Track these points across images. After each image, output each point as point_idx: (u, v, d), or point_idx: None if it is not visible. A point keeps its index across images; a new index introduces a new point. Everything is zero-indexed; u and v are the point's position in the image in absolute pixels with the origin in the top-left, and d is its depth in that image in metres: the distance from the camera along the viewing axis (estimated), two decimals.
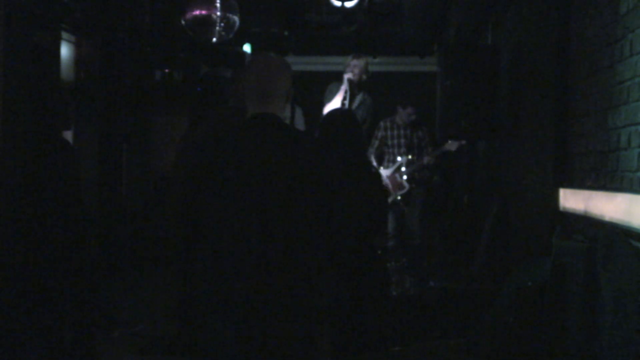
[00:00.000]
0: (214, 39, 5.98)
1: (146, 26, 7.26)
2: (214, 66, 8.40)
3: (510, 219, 5.19)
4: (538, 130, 4.41)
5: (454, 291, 4.98)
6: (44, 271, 4.12)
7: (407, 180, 6.85)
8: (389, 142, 6.98)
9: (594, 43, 3.47)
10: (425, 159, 6.86)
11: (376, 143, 7.01)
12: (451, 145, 6.72)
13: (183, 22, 5.99)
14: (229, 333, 2.40)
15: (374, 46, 8.26)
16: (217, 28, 5.90)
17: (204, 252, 2.47)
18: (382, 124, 7.03)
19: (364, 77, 6.57)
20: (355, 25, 8.28)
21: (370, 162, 4.31)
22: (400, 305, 5.03)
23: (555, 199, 3.85)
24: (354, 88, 6.55)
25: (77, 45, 6.44)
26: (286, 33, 8.51)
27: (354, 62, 6.54)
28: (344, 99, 6.45)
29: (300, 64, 8.16)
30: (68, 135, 5.46)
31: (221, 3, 5.87)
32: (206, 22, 5.89)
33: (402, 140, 6.96)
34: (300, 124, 6.86)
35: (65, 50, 6.13)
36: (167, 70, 8.06)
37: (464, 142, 6.62)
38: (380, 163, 7.01)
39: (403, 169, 6.86)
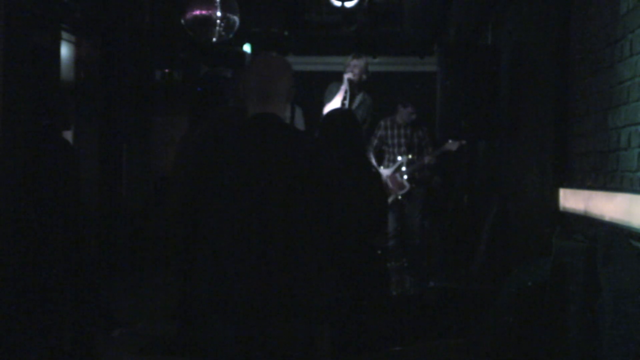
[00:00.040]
0: (214, 39, 5.98)
1: (146, 26, 7.26)
2: (214, 66, 8.40)
3: (510, 219, 5.19)
4: (538, 130, 4.40)
5: (454, 291, 4.98)
6: (44, 271, 4.12)
7: (408, 180, 6.85)
8: (389, 142, 6.98)
9: (594, 43, 3.47)
10: (426, 159, 6.86)
11: (375, 142, 7.01)
12: (452, 145, 6.72)
13: (183, 22, 5.99)
14: (229, 333, 2.40)
15: (374, 46, 8.25)
16: (217, 28, 5.90)
17: (204, 251, 2.47)
18: (382, 123, 7.03)
19: (364, 77, 6.57)
20: (355, 25, 8.28)
21: (370, 162, 4.32)
22: (400, 305, 5.03)
23: (555, 199, 3.85)
24: (354, 88, 6.55)
25: (77, 45, 6.43)
26: (286, 33, 8.51)
27: (354, 62, 6.54)
28: (344, 99, 6.45)
29: (300, 64, 8.16)
30: (68, 135, 5.46)
31: (221, 3, 5.87)
32: (206, 22, 5.89)
33: (403, 140, 6.95)
34: (300, 124, 6.86)
35: (65, 50, 6.13)
36: (167, 70, 8.06)
37: (464, 142, 6.62)
38: (380, 162, 7.01)
39: (403, 168, 6.86)
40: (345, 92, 6.46)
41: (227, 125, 2.90)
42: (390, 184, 6.79)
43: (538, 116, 4.43)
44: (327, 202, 2.47)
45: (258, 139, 2.49)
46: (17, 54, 4.13)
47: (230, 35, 6.08)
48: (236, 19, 5.97)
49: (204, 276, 2.46)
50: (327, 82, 6.81)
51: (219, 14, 5.87)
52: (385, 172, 6.83)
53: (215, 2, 5.85)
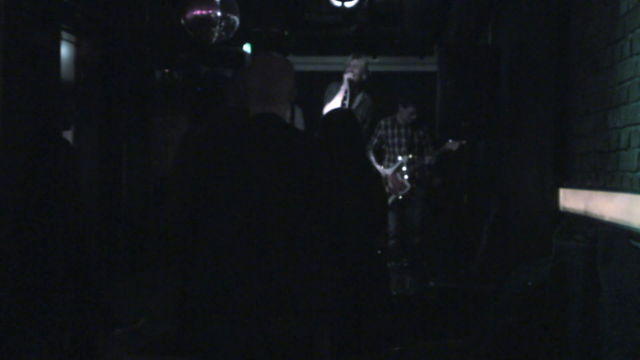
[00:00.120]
0: (214, 39, 5.98)
1: (146, 26, 7.26)
2: (214, 66, 8.40)
3: (510, 219, 5.19)
4: (538, 130, 4.40)
5: (454, 291, 4.98)
6: (44, 271, 4.12)
7: (408, 179, 6.85)
8: (390, 141, 6.98)
9: (594, 43, 3.47)
10: (427, 159, 6.86)
11: (375, 141, 7.01)
12: (452, 145, 6.72)
13: (183, 22, 5.99)
14: (228, 333, 2.40)
15: (374, 46, 8.25)
16: (217, 28, 5.90)
17: (204, 251, 2.47)
18: (382, 122, 7.03)
19: (364, 77, 6.57)
20: (355, 25, 8.28)
21: (370, 162, 4.32)
22: (400, 305, 5.03)
23: (555, 199, 3.84)
24: (354, 88, 6.55)
25: (77, 45, 6.43)
26: (286, 33, 8.51)
27: (354, 62, 6.54)
28: (344, 98, 6.45)
29: (300, 64, 8.15)
30: (68, 135, 5.46)
31: (221, 3, 5.87)
32: (206, 22, 5.89)
33: (403, 140, 6.95)
34: (299, 124, 6.87)
35: (65, 50, 6.13)
36: (167, 70, 8.06)
37: (464, 142, 6.62)
38: (380, 162, 7.01)
39: (404, 168, 6.86)
40: (345, 92, 6.47)
41: (228, 125, 2.90)
42: (390, 184, 6.79)
43: (538, 116, 4.43)
44: (327, 202, 2.47)
45: (259, 139, 2.49)
46: (17, 54, 4.13)
47: (230, 35, 6.08)
48: (236, 19, 5.97)
49: (203, 276, 2.46)
50: (327, 82, 6.81)
51: (219, 14, 5.86)
52: (385, 172, 6.83)
53: (215, 2, 5.85)
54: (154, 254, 6.85)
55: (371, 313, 3.51)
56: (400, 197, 6.84)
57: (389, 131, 7.00)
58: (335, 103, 6.40)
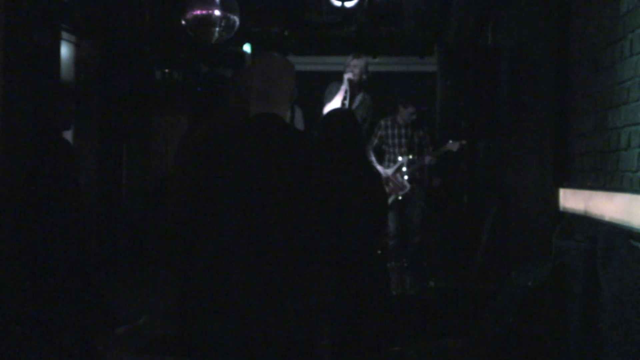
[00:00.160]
0: (214, 39, 5.98)
1: (146, 26, 7.26)
2: (214, 66, 8.39)
3: (510, 219, 5.19)
4: (538, 130, 4.40)
5: (454, 291, 4.98)
6: (44, 271, 4.12)
7: (408, 180, 6.85)
8: (390, 142, 6.98)
9: (594, 43, 3.47)
10: (427, 159, 6.86)
11: (375, 141, 7.01)
12: (452, 146, 6.71)
13: (183, 22, 5.99)
14: (228, 333, 2.40)
15: (374, 46, 8.24)
16: (217, 28, 5.90)
17: (204, 251, 2.47)
18: (382, 122, 7.03)
19: (364, 77, 6.58)
20: (355, 25, 8.27)
21: (370, 162, 4.32)
22: (400, 305, 5.03)
23: (555, 199, 3.84)
24: (354, 88, 6.55)
25: (77, 45, 6.43)
26: (286, 33, 8.50)
27: (354, 62, 6.54)
28: (344, 98, 6.45)
29: (300, 64, 8.14)
30: (68, 135, 5.46)
31: (221, 3, 5.87)
32: (206, 22, 5.89)
33: (403, 140, 6.95)
34: (299, 124, 6.87)
35: (65, 50, 6.13)
36: (167, 70, 8.06)
37: (464, 142, 6.62)
38: (380, 162, 7.01)
39: (404, 168, 6.86)
40: (345, 92, 6.47)
41: (228, 125, 2.90)
42: (390, 184, 6.79)
43: (538, 116, 4.43)
44: (327, 203, 2.47)
45: (258, 139, 2.49)
46: (17, 54, 4.13)
47: (230, 35, 6.07)
48: (236, 19, 5.97)
49: (203, 276, 2.46)
50: (327, 82, 6.81)
51: (219, 14, 5.86)
52: (385, 172, 6.82)
53: (215, 2, 5.85)
54: (154, 254, 6.85)
55: (371, 313, 3.51)
56: (400, 197, 6.84)
57: (389, 131, 6.99)
58: (335, 103, 6.40)
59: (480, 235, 5.70)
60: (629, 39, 3.00)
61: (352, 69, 6.52)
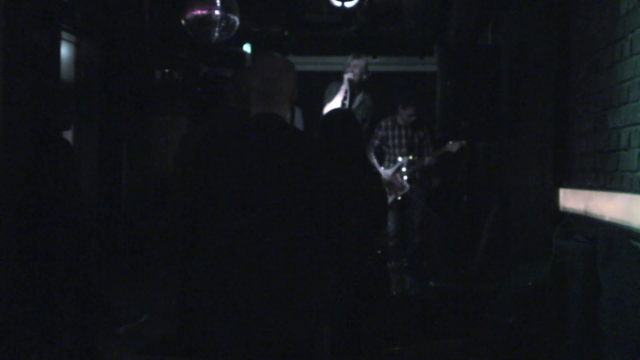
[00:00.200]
0: (214, 39, 5.98)
1: (146, 26, 7.26)
2: (214, 66, 8.40)
3: (510, 219, 5.19)
4: (538, 130, 4.40)
5: (454, 291, 4.98)
6: (44, 271, 4.12)
7: (408, 180, 6.85)
8: (390, 142, 6.98)
9: (594, 43, 3.47)
10: (427, 160, 6.86)
11: (376, 142, 7.01)
12: (452, 147, 6.71)
13: (183, 22, 5.99)
14: (228, 333, 2.40)
15: (374, 46, 8.25)
16: (217, 28, 5.90)
17: (204, 251, 2.47)
18: (383, 123, 7.03)
19: (364, 77, 6.58)
20: (355, 25, 8.28)
21: (370, 162, 4.32)
22: (400, 305, 5.03)
23: (555, 199, 3.84)
24: (354, 88, 6.56)
25: (77, 45, 6.43)
26: (286, 33, 8.51)
27: (354, 62, 6.54)
28: (344, 98, 6.45)
29: (300, 64, 8.14)
30: (68, 135, 5.46)
31: (221, 3, 5.87)
32: (206, 22, 5.89)
33: (403, 140, 6.95)
34: (299, 124, 6.87)
35: (65, 50, 6.13)
36: (167, 70, 8.06)
37: (464, 142, 6.62)
38: (381, 163, 7.01)
39: (404, 169, 6.86)
40: (346, 92, 6.47)
41: (228, 125, 2.90)
42: (390, 185, 6.79)
43: (538, 116, 4.43)
44: (327, 202, 2.47)
45: (259, 139, 2.49)
46: (17, 54, 4.13)
47: (230, 35, 6.08)
48: (236, 19, 5.97)
49: (203, 276, 2.46)
50: (327, 82, 6.81)
51: (219, 14, 5.86)
52: (385, 172, 6.83)
53: (215, 2, 5.85)
54: (159, 252, 6.85)
55: (371, 313, 3.51)
56: (400, 197, 6.85)
57: (389, 132, 6.99)
58: (335, 103, 6.40)
59: (480, 235, 5.69)
60: (629, 39, 2.99)
61: (352, 69, 6.52)
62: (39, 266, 4.10)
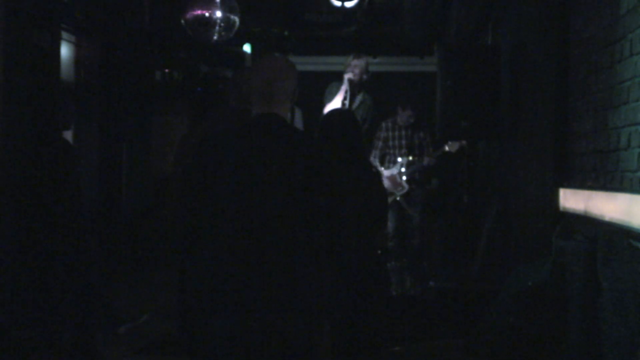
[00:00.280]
0: (214, 39, 5.98)
1: (146, 26, 7.26)
2: (214, 66, 8.40)
3: (510, 219, 5.19)
4: (538, 130, 4.40)
5: (454, 291, 4.98)
6: (44, 271, 4.12)
7: (407, 180, 6.85)
8: (390, 143, 6.98)
9: (594, 43, 3.47)
10: (426, 160, 6.86)
11: (379, 144, 7.00)
12: (451, 147, 6.71)
13: (183, 22, 5.99)
14: (228, 331, 2.40)
15: (374, 46, 8.25)
16: (217, 28, 5.90)
17: (205, 250, 2.47)
18: (383, 124, 7.03)
19: (365, 77, 6.57)
20: (355, 25, 8.27)
21: (370, 162, 4.32)
22: (400, 305, 5.03)
23: (555, 199, 3.84)
24: (354, 88, 6.55)
25: (77, 45, 6.43)
26: (286, 33, 8.50)
27: (355, 62, 6.54)
28: (344, 98, 6.45)
29: (300, 64, 8.14)
30: (68, 135, 5.46)
31: (221, 3, 5.87)
32: (206, 22, 5.89)
33: (403, 141, 6.95)
34: (299, 125, 6.87)
35: (65, 50, 6.13)
36: (167, 70, 8.06)
37: (464, 142, 6.62)
38: (381, 163, 7.01)
39: (403, 169, 6.86)
40: (346, 92, 6.47)
41: (228, 125, 2.90)
42: (389, 185, 6.79)
43: (538, 116, 4.43)
44: (326, 202, 2.47)
45: (259, 139, 2.49)
46: (17, 54, 4.13)
47: (230, 35, 6.07)
48: (236, 19, 5.97)
49: (204, 274, 2.46)
50: (327, 82, 6.81)
51: (219, 14, 5.86)
52: (385, 172, 6.83)
53: (215, 2, 5.85)
54: (158, 253, 6.85)
55: (371, 313, 3.51)
56: (399, 197, 6.85)
57: (390, 133, 6.99)
58: (335, 103, 6.40)
59: (480, 235, 5.69)
60: (629, 39, 3.00)
61: (352, 69, 6.52)
62: (39, 266, 4.11)
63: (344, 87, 6.48)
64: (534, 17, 4.64)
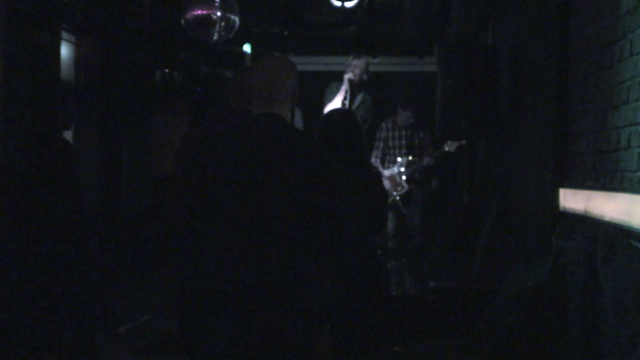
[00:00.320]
0: (214, 39, 5.98)
1: (146, 26, 7.26)
2: (214, 66, 8.39)
3: (510, 219, 5.19)
4: (538, 130, 4.40)
5: (454, 291, 4.98)
6: (44, 271, 4.12)
7: (407, 180, 6.85)
8: (390, 143, 6.98)
9: (594, 43, 3.47)
10: (425, 160, 6.86)
11: (381, 144, 7.00)
12: (450, 146, 6.71)
13: (183, 22, 5.99)
14: (228, 331, 2.41)
15: (374, 46, 8.24)
16: (217, 28, 5.89)
17: (205, 250, 2.47)
18: (384, 124, 7.03)
19: (365, 77, 6.58)
20: (355, 25, 8.27)
21: (370, 162, 4.32)
22: (400, 305, 5.03)
23: (555, 199, 3.84)
24: (355, 88, 6.55)
25: (77, 45, 6.43)
26: (286, 33, 8.51)
27: (355, 62, 6.54)
28: (345, 98, 6.45)
29: (300, 64, 8.14)
30: (68, 135, 5.46)
31: (221, 3, 5.86)
32: (206, 22, 5.89)
33: (403, 141, 6.95)
34: (299, 125, 6.86)
35: (65, 50, 6.13)
36: (167, 70, 8.06)
37: (464, 142, 6.62)
38: (382, 163, 7.01)
39: (403, 169, 6.87)
40: (346, 92, 6.47)
41: (229, 125, 2.90)
42: (389, 185, 6.79)
43: (538, 116, 4.43)
44: (326, 202, 2.47)
45: (260, 139, 2.49)
46: (17, 54, 4.13)
47: (230, 35, 6.07)
48: (236, 19, 5.97)
49: (204, 274, 2.46)
50: (327, 82, 6.81)
51: (219, 14, 5.86)
52: (385, 172, 6.83)
53: (215, 2, 5.85)
54: (158, 253, 6.85)
55: (371, 313, 3.51)
56: (398, 197, 6.85)
57: (390, 133, 7.00)
58: (335, 103, 6.40)
59: (480, 235, 5.69)
60: (629, 39, 3.00)
61: (352, 69, 6.52)
62: (39, 266, 4.10)
63: (344, 87, 6.48)
64: (534, 17, 4.64)
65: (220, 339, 2.43)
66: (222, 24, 5.89)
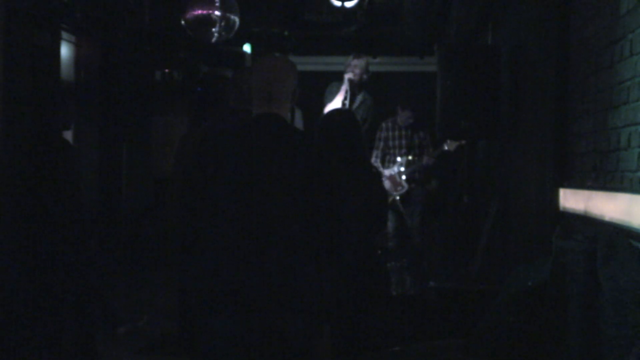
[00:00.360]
0: (214, 39, 5.98)
1: (146, 26, 7.26)
2: (214, 66, 8.40)
3: (510, 219, 5.19)
4: (538, 130, 4.40)
5: (454, 291, 4.98)
6: (44, 271, 4.12)
7: (407, 180, 6.85)
8: (390, 143, 6.98)
9: (594, 43, 3.47)
10: (425, 160, 6.86)
11: (381, 144, 7.00)
12: (450, 146, 6.72)
13: (183, 22, 5.99)
14: (228, 330, 2.41)
15: (374, 46, 8.25)
16: (217, 28, 5.90)
17: (205, 249, 2.47)
18: (384, 124, 7.04)
19: (365, 77, 6.58)
20: (355, 25, 8.27)
21: (370, 162, 4.32)
22: (400, 305, 5.02)
23: (555, 199, 3.84)
24: (355, 88, 6.56)
25: (77, 45, 6.43)
26: (286, 33, 8.51)
27: (355, 62, 6.54)
28: (345, 98, 6.45)
29: (301, 64, 8.14)
30: (68, 135, 5.46)
31: (221, 3, 5.86)
32: (206, 22, 5.89)
33: (403, 141, 6.95)
34: (299, 124, 6.87)
35: (65, 50, 6.13)
36: (167, 70, 8.06)
37: (463, 142, 6.62)
38: (382, 163, 7.01)
39: (402, 169, 6.87)
40: (346, 92, 6.47)
41: (229, 125, 2.90)
42: (389, 185, 6.79)
43: (538, 116, 4.43)
44: (326, 202, 2.47)
45: (260, 139, 2.49)
46: (17, 54, 4.13)
47: (230, 35, 6.08)
48: (236, 19, 5.97)
49: (204, 274, 2.46)
50: (327, 82, 6.81)
51: (219, 14, 5.86)
52: (385, 172, 6.83)
53: (215, 2, 5.85)
54: (158, 253, 6.85)
55: (371, 313, 3.51)
56: (398, 197, 6.85)
57: (390, 133, 7.00)
58: (335, 103, 6.41)
59: (480, 235, 5.69)
60: (629, 39, 3.00)
61: (352, 69, 6.52)
62: (39, 266, 4.10)
63: (344, 87, 6.48)
64: (533, 17, 4.64)
65: (220, 339, 2.43)
66: (222, 24, 5.89)
